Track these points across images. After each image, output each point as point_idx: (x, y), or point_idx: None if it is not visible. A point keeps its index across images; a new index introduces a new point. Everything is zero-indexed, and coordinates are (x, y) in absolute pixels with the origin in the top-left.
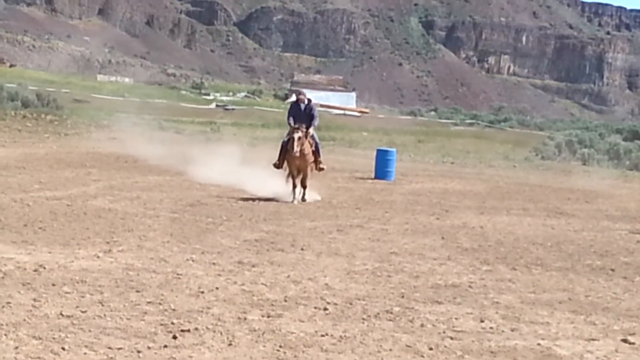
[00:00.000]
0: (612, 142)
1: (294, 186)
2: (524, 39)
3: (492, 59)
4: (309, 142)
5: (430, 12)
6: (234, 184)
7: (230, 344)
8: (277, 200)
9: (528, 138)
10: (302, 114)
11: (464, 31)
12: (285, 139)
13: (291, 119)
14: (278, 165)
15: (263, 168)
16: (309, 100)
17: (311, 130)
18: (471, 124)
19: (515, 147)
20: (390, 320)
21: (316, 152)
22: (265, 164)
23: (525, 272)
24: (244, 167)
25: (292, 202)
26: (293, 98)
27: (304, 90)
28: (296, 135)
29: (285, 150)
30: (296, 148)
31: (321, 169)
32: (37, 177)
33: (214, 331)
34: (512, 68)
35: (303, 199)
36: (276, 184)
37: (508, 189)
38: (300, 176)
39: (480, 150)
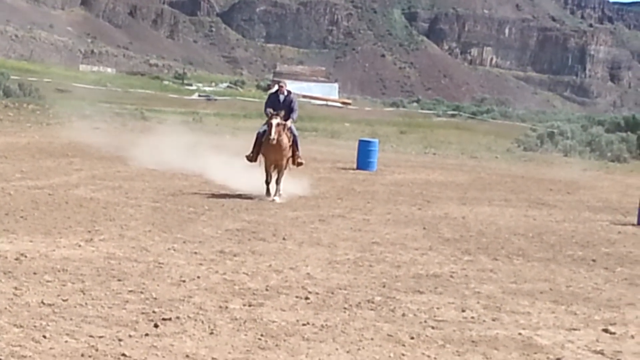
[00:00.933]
0: (594, 134)
1: (269, 182)
2: (506, 31)
3: (474, 51)
4: (287, 134)
5: (413, 3)
6: (204, 174)
7: (211, 333)
8: (250, 197)
9: (510, 129)
10: (281, 106)
11: (446, 23)
12: (261, 130)
13: (269, 110)
14: (252, 158)
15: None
16: (289, 92)
17: (289, 123)
18: (453, 115)
19: (498, 139)
20: (371, 309)
21: (294, 146)
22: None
23: (507, 263)
24: (222, 157)
25: (271, 199)
26: (275, 88)
27: (285, 81)
28: (274, 121)
29: (261, 141)
30: (274, 135)
31: (299, 164)
32: (19, 166)
33: (196, 320)
34: (494, 60)
35: (276, 195)
36: (252, 177)
37: (490, 180)
38: (276, 170)
39: (462, 141)
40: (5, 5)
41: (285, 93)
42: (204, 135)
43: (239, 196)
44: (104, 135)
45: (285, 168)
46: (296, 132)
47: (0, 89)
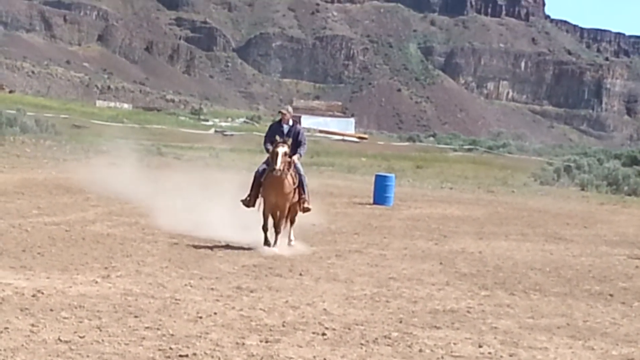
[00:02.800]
0: (611, 168)
1: (267, 228)
2: (522, 64)
3: (490, 85)
4: (292, 174)
5: (429, 38)
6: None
7: None
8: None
9: (527, 163)
10: (284, 139)
11: (462, 57)
12: (261, 168)
13: (269, 144)
14: (249, 202)
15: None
16: (295, 122)
17: (296, 159)
18: (470, 150)
19: (514, 173)
20: (388, 345)
21: (300, 188)
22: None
23: (524, 298)
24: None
25: (271, 247)
26: (278, 118)
27: (290, 108)
28: (280, 150)
29: (260, 182)
30: (279, 165)
31: (306, 210)
32: (36, 202)
33: (212, 356)
34: (510, 94)
35: (275, 244)
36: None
37: (507, 214)
38: (277, 216)
39: (478, 175)
40: (22, 42)
41: (290, 123)
42: (219, 172)
43: (255, 233)
44: (121, 171)
45: (287, 215)
46: (303, 172)
47: (17, 125)
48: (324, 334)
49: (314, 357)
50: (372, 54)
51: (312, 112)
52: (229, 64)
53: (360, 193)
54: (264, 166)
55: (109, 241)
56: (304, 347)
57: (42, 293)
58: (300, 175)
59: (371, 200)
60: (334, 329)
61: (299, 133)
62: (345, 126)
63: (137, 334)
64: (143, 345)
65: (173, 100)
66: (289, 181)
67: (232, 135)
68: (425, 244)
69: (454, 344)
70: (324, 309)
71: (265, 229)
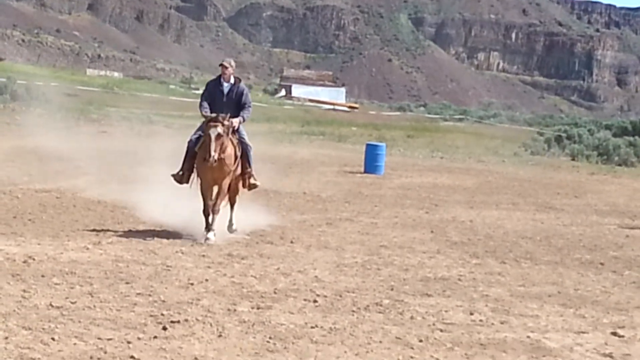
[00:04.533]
0: (601, 138)
1: (208, 212)
2: (513, 35)
3: (481, 55)
4: (233, 141)
5: (419, 8)
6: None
7: (220, 335)
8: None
9: (517, 134)
10: (224, 100)
11: (453, 28)
12: (195, 137)
13: (206, 105)
14: (181, 178)
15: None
16: (238, 80)
17: (236, 122)
18: (460, 120)
19: (505, 143)
20: (380, 312)
21: (245, 160)
22: None
23: (515, 266)
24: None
25: (206, 239)
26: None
27: (231, 61)
28: (213, 133)
29: (194, 153)
30: (213, 154)
31: (252, 186)
32: (27, 169)
33: (204, 322)
34: (501, 64)
35: (211, 228)
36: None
37: (497, 184)
38: (217, 195)
39: (469, 145)
40: (12, 10)
41: (232, 81)
42: None
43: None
44: (111, 139)
45: (229, 192)
46: (247, 139)
47: (7, 93)
48: (315, 301)
49: (306, 323)
50: (362, 24)
51: (303, 81)
52: (220, 34)
53: (351, 162)
54: (199, 133)
55: (100, 208)
56: (295, 313)
57: (33, 259)
58: (243, 143)
59: (362, 169)
60: (325, 296)
61: (242, 93)
62: (336, 96)
63: (129, 300)
64: (134, 311)
65: (164, 69)
66: (230, 151)
67: None
68: (416, 213)
69: (445, 311)
70: (315, 276)
71: (206, 212)
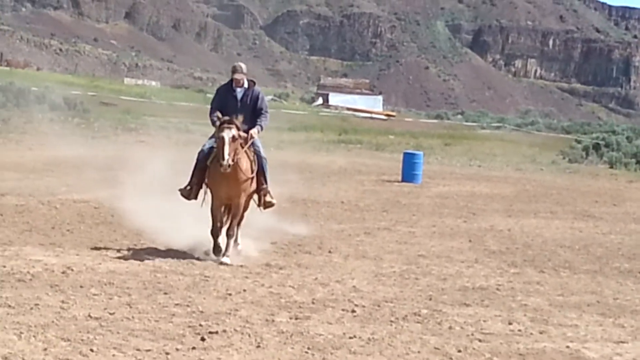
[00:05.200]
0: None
1: (218, 233)
2: (550, 42)
3: (518, 63)
4: (249, 155)
5: (456, 15)
6: None
7: (258, 346)
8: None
9: (555, 141)
10: (238, 106)
11: (490, 35)
12: (206, 147)
13: (216, 115)
14: (189, 193)
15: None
16: (252, 82)
17: (254, 134)
18: (498, 128)
19: (543, 151)
20: (418, 322)
21: (261, 176)
22: None
23: (553, 275)
24: None
25: (221, 263)
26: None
27: (242, 65)
28: (227, 135)
29: (204, 166)
30: (227, 157)
31: (268, 205)
32: (65, 180)
33: (242, 333)
34: (538, 71)
35: (226, 253)
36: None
37: (535, 192)
38: (229, 214)
39: (507, 153)
40: (49, 19)
41: (246, 85)
42: None
43: (282, 209)
44: (149, 148)
45: (244, 210)
46: (263, 153)
47: (45, 103)
48: (353, 311)
49: (344, 333)
50: (399, 32)
51: (340, 89)
52: (257, 42)
53: (389, 171)
54: (211, 143)
55: (138, 218)
56: (333, 324)
57: (72, 270)
58: (259, 157)
59: (399, 178)
60: (363, 306)
61: (257, 98)
62: (373, 104)
63: (167, 310)
64: (173, 322)
65: (201, 78)
66: (245, 165)
67: None
68: (454, 222)
69: (484, 321)
70: (353, 286)
71: (215, 233)
